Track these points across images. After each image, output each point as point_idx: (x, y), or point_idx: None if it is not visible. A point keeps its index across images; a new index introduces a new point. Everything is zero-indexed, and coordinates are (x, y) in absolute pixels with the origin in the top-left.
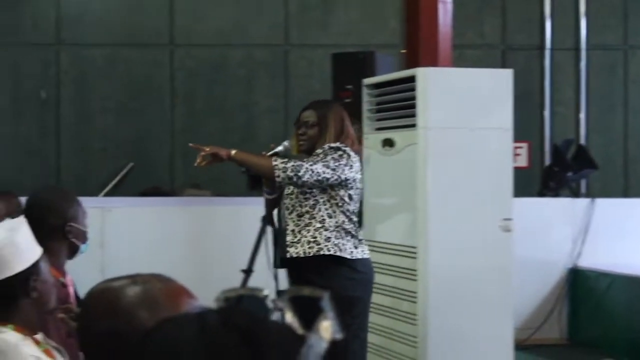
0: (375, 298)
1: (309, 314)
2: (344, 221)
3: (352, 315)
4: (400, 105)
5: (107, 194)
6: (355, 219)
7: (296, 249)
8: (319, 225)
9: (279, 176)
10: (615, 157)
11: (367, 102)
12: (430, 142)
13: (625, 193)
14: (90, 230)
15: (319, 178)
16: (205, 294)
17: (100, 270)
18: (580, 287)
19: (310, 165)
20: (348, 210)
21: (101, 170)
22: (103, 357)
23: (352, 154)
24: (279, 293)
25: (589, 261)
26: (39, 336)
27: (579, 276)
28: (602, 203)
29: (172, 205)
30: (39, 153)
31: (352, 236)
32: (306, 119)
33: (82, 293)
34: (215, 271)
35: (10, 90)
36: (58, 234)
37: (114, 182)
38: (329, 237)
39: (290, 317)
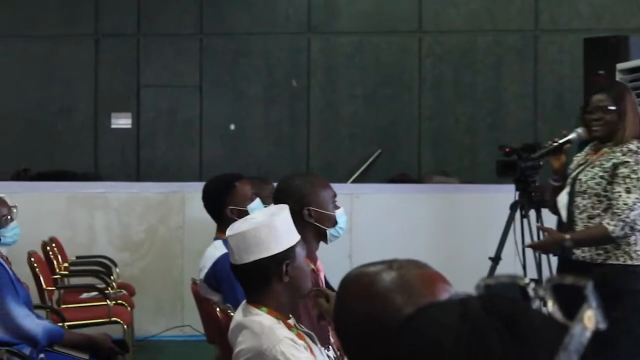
0: None
1: (571, 303)
2: (634, 220)
3: (631, 311)
4: None
5: (355, 181)
6: None
7: (583, 252)
8: None
9: (617, 238)
10: None
11: None
12: None
13: None
14: None
15: None
16: (452, 282)
17: (348, 255)
18: None
19: (633, 204)
20: None
21: (349, 157)
22: (359, 341)
23: None
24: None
25: None
26: (291, 320)
27: None
28: None
29: (419, 192)
30: (290, 140)
31: None
32: (600, 103)
33: (330, 278)
34: (462, 259)
35: (263, 78)
36: (299, 218)
37: (362, 169)
38: (619, 245)
39: (551, 306)
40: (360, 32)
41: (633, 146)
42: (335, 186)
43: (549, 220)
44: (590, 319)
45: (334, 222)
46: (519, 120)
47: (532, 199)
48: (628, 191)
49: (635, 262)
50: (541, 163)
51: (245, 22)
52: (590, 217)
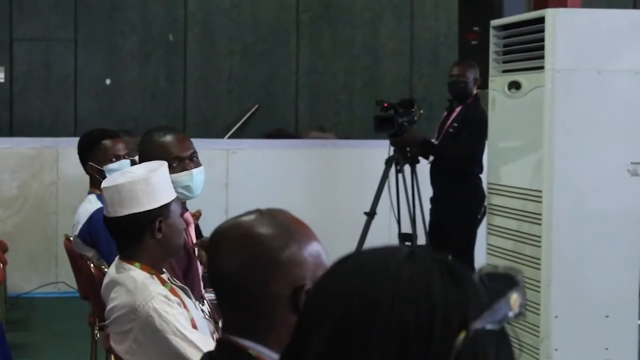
0: (498, 242)
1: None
2: None
3: None
4: (528, 47)
5: (232, 136)
6: None
7: None
8: None
9: None
10: None
11: (494, 44)
12: (557, 84)
13: None
14: (215, 171)
15: None
16: (328, 235)
17: (224, 210)
18: None
19: None
20: None
21: (226, 113)
22: (239, 286)
23: None
24: (402, 236)
25: None
26: (165, 275)
27: None
28: None
29: (296, 148)
30: (166, 95)
31: None
32: None
33: (207, 232)
34: (338, 214)
35: (139, 33)
36: None
37: (239, 124)
38: None
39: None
40: None
41: None
42: (212, 142)
43: (424, 175)
44: (515, 301)
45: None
46: (395, 76)
47: (406, 154)
48: None
49: None
50: (416, 118)
51: None
52: None
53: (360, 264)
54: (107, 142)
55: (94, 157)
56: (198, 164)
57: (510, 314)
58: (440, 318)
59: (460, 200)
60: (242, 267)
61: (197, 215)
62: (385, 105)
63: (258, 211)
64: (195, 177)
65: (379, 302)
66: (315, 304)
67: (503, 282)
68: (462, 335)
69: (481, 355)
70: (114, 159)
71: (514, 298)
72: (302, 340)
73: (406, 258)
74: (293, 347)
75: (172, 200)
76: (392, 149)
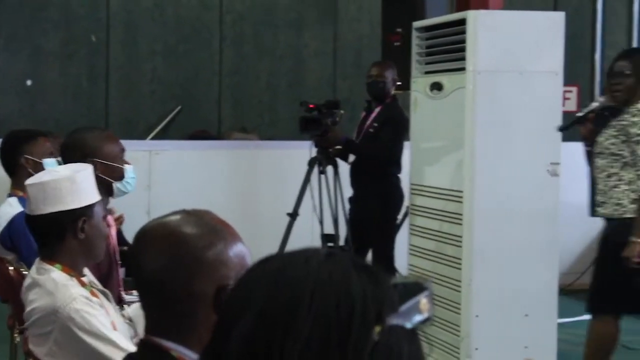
0: (420, 242)
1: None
2: None
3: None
4: (449, 48)
5: (154, 137)
6: None
7: (604, 209)
8: (625, 187)
9: None
10: None
11: (416, 45)
12: (479, 85)
13: None
14: (137, 172)
15: None
16: (251, 236)
17: (146, 212)
18: None
19: None
20: None
21: (149, 113)
22: (164, 286)
23: None
24: (324, 237)
25: None
26: (86, 278)
27: None
28: None
29: (218, 149)
30: (89, 96)
31: None
32: (621, 69)
33: (129, 234)
34: (261, 214)
35: (61, 33)
36: None
37: (161, 125)
38: (636, 200)
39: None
40: None
41: None
42: (134, 143)
43: (347, 176)
44: (425, 306)
45: (120, 176)
46: (318, 77)
47: (329, 155)
48: None
49: None
50: (338, 119)
51: None
52: (608, 176)
53: (281, 263)
54: (42, 139)
55: (31, 151)
56: (126, 162)
57: (420, 317)
58: (358, 313)
59: (379, 200)
60: (167, 266)
61: (120, 221)
62: (311, 106)
63: (183, 211)
64: (130, 172)
65: (299, 299)
66: (236, 301)
67: (413, 289)
68: (378, 329)
69: (395, 348)
70: (50, 155)
71: (424, 302)
72: (221, 338)
73: (325, 258)
74: (213, 344)
75: (96, 202)
76: (314, 150)
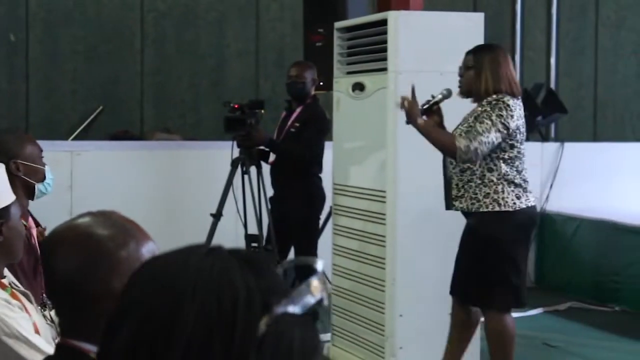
0: (344, 242)
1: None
2: (506, 172)
3: (500, 258)
4: (371, 49)
5: (76, 138)
6: (521, 166)
7: (461, 203)
8: (479, 181)
9: (460, 157)
10: (584, 102)
11: (338, 45)
12: (400, 86)
13: (595, 137)
14: (59, 173)
15: (493, 146)
16: (175, 237)
17: (68, 213)
18: (548, 231)
19: (487, 137)
20: (510, 158)
21: (70, 114)
22: (76, 287)
23: (510, 101)
24: (248, 237)
25: (556, 205)
26: (6, 280)
27: (546, 220)
28: (571, 147)
29: (141, 149)
30: (8, 96)
31: (516, 185)
32: (465, 62)
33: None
34: (184, 215)
35: None
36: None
37: (83, 126)
38: (488, 193)
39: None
40: None
41: (491, 98)
42: (56, 143)
43: (269, 177)
44: (316, 287)
45: (42, 177)
46: (241, 77)
47: (253, 155)
48: (480, 122)
49: (504, 209)
50: (260, 118)
51: None
52: (462, 171)
53: (164, 261)
54: None
55: None
56: (43, 163)
57: (312, 299)
58: (242, 305)
59: (301, 199)
60: (81, 268)
61: (42, 233)
62: (236, 106)
63: (90, 213)
64: (49, 173)
65: (181, 295)
66: (122, 301)
67: (305, 271)
68: (265, 319)
69: (285, 336)
70: None
71: (314, 284)
72: (109, 338)
73: (206, 254)
74: (102, 345)
75: (12, 203)
76: (237, 150)
